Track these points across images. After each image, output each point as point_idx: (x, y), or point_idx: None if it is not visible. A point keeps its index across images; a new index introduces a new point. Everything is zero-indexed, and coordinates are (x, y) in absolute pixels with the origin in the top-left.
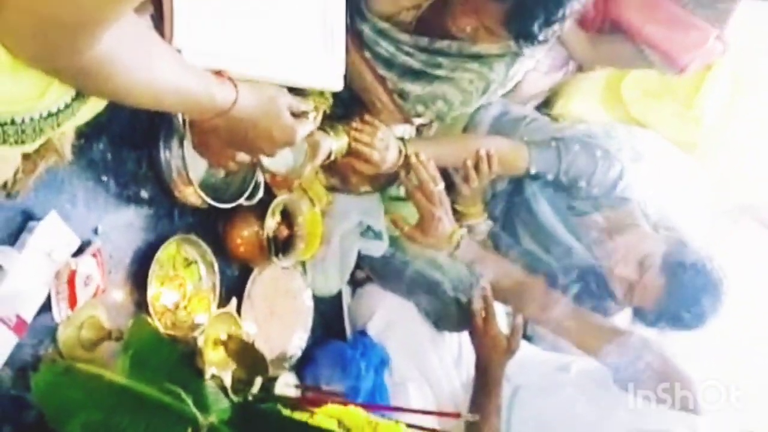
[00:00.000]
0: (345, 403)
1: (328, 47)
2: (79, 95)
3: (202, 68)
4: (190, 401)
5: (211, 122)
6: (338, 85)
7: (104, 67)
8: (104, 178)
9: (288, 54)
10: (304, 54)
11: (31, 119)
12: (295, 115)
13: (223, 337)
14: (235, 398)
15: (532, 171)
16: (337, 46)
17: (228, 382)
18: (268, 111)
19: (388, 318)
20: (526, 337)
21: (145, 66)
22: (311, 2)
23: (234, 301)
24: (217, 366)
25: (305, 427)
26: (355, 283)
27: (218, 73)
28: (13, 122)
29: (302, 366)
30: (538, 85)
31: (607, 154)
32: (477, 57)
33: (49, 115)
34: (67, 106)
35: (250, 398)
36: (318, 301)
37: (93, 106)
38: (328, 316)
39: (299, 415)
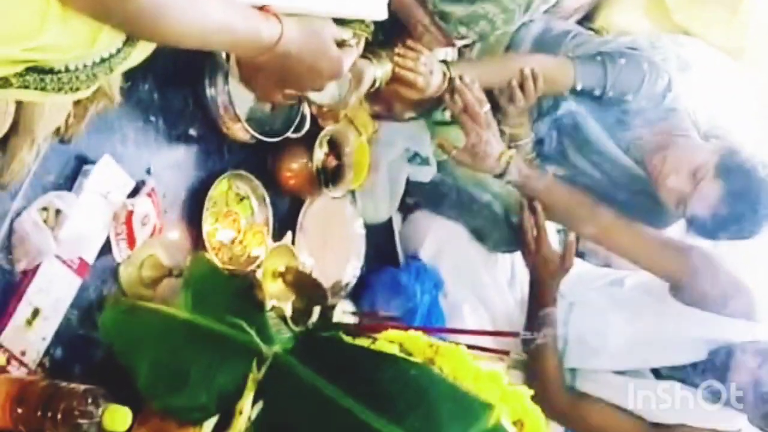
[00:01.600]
0: (404, 328)
1: None
2: (130, 39)
3: (246, 4)
4: (253, 332)
5: (258, 59)
6: (382, 14)
7: (152, 11)
8: (153, 119)
9: None
10: None
11: (84, 66)
12: (339, 44)
13: (281, 269)
14: (296, 328)
15: (579, 87)
16: None
17: (288, 312)
18: (314, 45)
19: (440, 242)
20: (579, 254)
21: (192, 7)
22: None
23: (289, 234)
24: (277, 298)
25: (368, 352)
26: (405, 209)
27: (262, 8)
28: (67, 70)
29: (358, 293)
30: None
31: (654, 65)
32: None
33: (102, 60)
34: (118, 51)
35: (310, 326)
36: (369, 228)
37: (143, 49)
38: (381, 244)
39: (361, 341)
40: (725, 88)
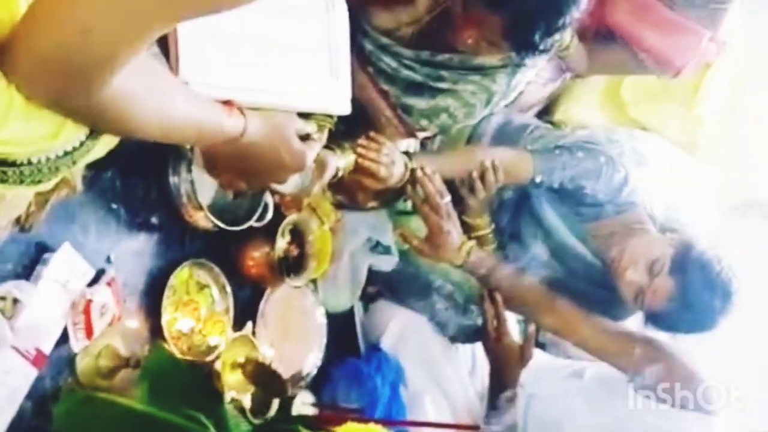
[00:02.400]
0: (364, 421)
1: (333, 71)
2: (93, 132)
3: (210, 98)
4: (211, 425)
5: (221, 151)
6: (346, 109)
7: (116, 107)
8: (114, 206)
9: (294, 80)
10: (311, 79)
11: (47, 159)
12: (303, 138)
13: (241, 360)
14: (255, 420)
15: (537, 180)
16: (343, 69)
17: (247, 404)
18: (277, 139)
19: (401, 332)
20: (539, 345)
21: (156, 102)
22: (315, 28)
23: (249, 324)
24: (236, 389)
25: None
26: (366, 298)
27: (227, 102)
28: (29, 162)
29: (318, 384)
30: (538, 94)
31: (611, 159)
32: (479, 69)
33: (65, 153)
34: (81, 144)
35: (269, 420)
36: (331, 318)
37: (107, 142)
38: (342, 333)
39: None
40: (681, 181)
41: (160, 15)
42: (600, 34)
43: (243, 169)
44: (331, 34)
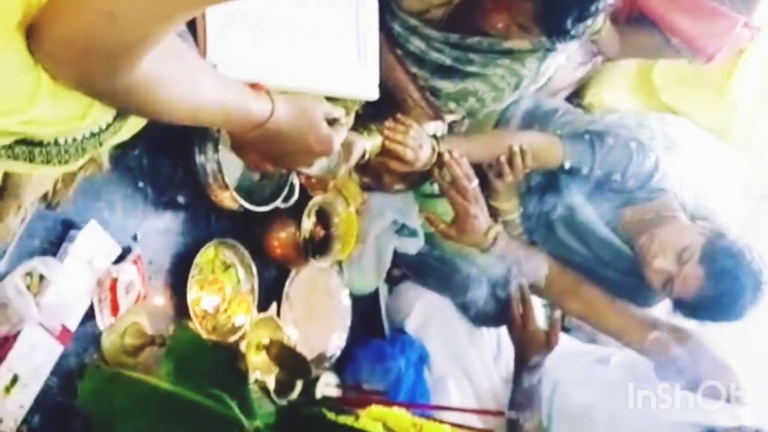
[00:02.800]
0: (387, 403)
1: (362, 56)
2: (120, 114)
3: (238, 81)
4: (235, 406)
5: (249, 135)
6: (373, 95)
7: (143, 90)
8: (141, 185)
9: (322, 64)
10: (338, 64)
11: (74, 140)
12: (330, 122)
13: (265, 341)
14: (278, 401)
15: (567, 165)
16: (371, 55)
17: (271, 385)
18: (305, 123)
19: (426, 315)
20: (565, 329)
21: (184, 85)
22: (345, 12)
23: (274, 305)
24: (260, 370)
25: (351, 431)
26: (391, 281)
27: (254, 85)
28: (56, 143)
29: (342, 365)
30: (568, 77)
31: (642, 145)
32: (509, 53)
33: (92, 135)
34: (108, 126)
35: (293, 402)
36: (355, 299)
37: (134, 124)
38: (366, 315)
39: (344, 419)
40: (712, 168)
41: (184, 1)
42: (632, 18)
43: (269, 152)
44: (360, 19)
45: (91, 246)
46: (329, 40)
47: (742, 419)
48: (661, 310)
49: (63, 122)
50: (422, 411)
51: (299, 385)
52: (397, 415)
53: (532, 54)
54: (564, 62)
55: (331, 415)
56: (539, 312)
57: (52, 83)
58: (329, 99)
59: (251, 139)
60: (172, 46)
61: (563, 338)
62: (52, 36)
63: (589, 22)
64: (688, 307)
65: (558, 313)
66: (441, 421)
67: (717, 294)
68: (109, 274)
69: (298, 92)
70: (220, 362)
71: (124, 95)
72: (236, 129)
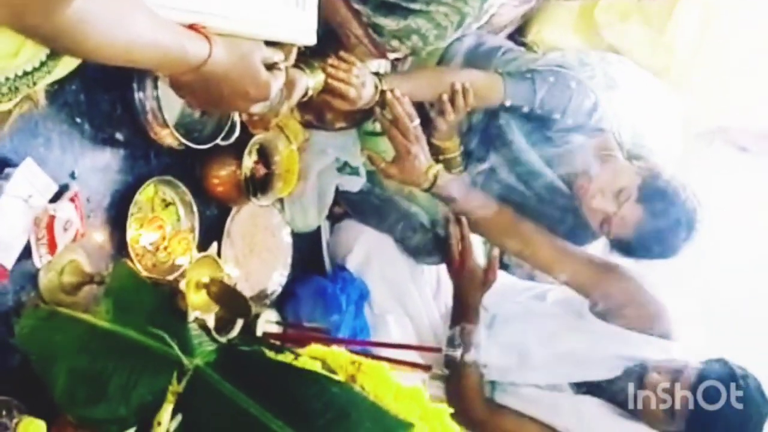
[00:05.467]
0: (327, 342)
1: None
2: (54, 53)
3: (175, 22)
4: (174, 344)
5: (185, 77)
6: (311, 40)
7: (76, 28)
8: (78, 121)
9: (260, 7)
10: (277, 7)
11: (6, 79)
12: (269, 66)
13: (205, 280)
14: (219, 339)
15: (507, 104)
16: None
17: (211, 323)
18: (242, 67)
19: (367, 252)
20: (503, 266)
21: (118, 24)
22: None
23: (214, 245)
24: (200, 309)
25: (290, 369)
26: (333, 218)
27: (193, 26)
28: None
29: (283, 302)
30: (511, 14)
31: (581, 84)
32: None
33: (24, 74)
34: (42, 64)
35: (233, 340)
36: (297, 237)
37: (67, 63)
38: (307, 252)
39: (283, 357)
40: (650, 107)
41: None
42: None
43: (205, 95)
44: None
45: (28, 184)
46: None
47: (672, 353)
48: (597, 247)
49: None
50: (362, 348)
51: (239, 323)
52: (337, 353)
53: None
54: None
55: (270, 354)
56: (478, 249)
57: None
58: (268, 43)
59: (187, 81)
60: None
61: (502, 275)
62: None
63: None
64: (625, 245)
65: (496, 251)
66: (381, 358)
67: (653, 233)
68: (46, 212)
69: (235, 35)
70: (160, 301)
71: (55, 33)
72: (172, 71)
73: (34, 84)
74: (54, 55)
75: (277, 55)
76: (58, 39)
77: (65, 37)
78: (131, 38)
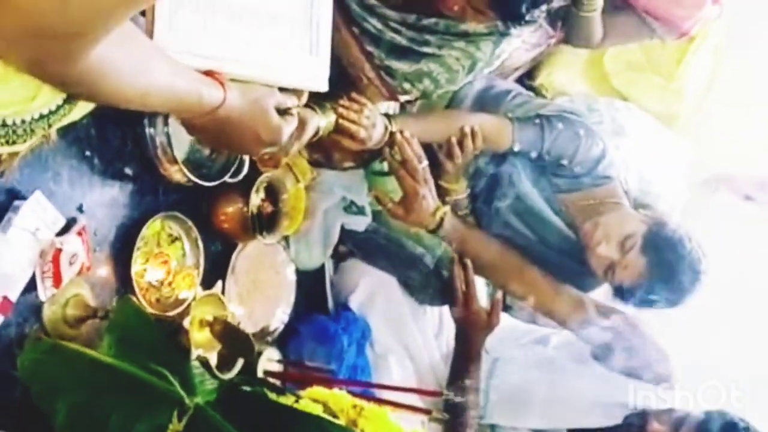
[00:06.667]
0: (329, 382)
1: (314, 47)
2: (70, 97)
3: (190, 68)
4: (176, 382)
5: (199, 121)
6: (323, 86)
7: (94, 76)
8: (88, 154)
9: (273, 53)
10: (290, 53)
11: (23, 121)
12: (282, 111)
13: (209, 318)
14: (221, 376)
15: (516, 148)
16: (323, 46)
17: (213, 362)
18: (255, 113)
19: (370, 291)
20: (506, 308)
21: (136, 72)
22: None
23: (219, 283)
24: (203, 347)
25: (291, 412)
26: (338, 257)
27: (209, 72)
28: (4, 124)
29: (285, 340)
30: (522, 58)
31: (590, 132)
32: (464, 35)
33: (41, 117)
34: (58, 108)
35: (235, 379)
36: (301, 275)
37: (83, 106)
38: (311, 290)
39: (284, 399)
40: (657, 154)
41: None
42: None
43: (218, 137)
44: (314, 8)
45: (36, 217)
46: (281, 29)
47: (674, 403)
48: (600, 294)
49: (12, 104)
50: (362, 389)
51: (239, 363)
52: (339, 396)
53: (487, 37)
54: (519, 45)
55: (272, 395)
56: (482, 291)
57: (2, 65)
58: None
59: (200, 124)
60: (124, 30)
61: (504, 317)
62: (4, 17)
63: (543, 7)
64: (628, 293)
65: (500, 294)
66: (381, 400)
67: (657, 282)
68: (52, 246)
69: (249, 81)
70: (163, 337)
71: (74, 80)
72: (186, 115)
73: (50, 126)
74: (71, 98)
75: (290, 101)
76: (77, 86)
77: (84, 84)
78: (148, 85)
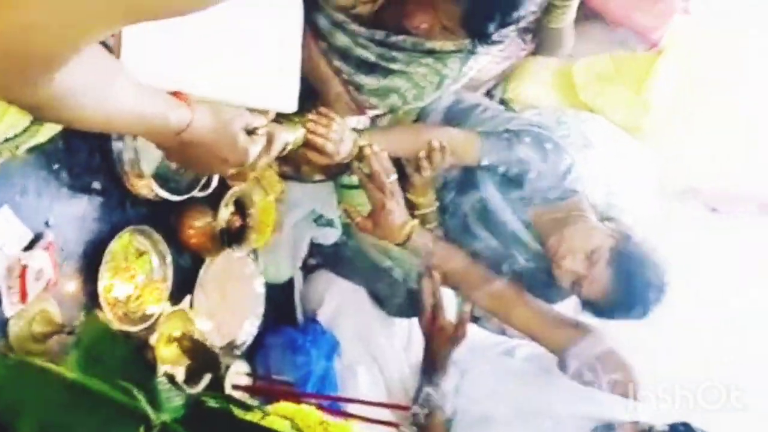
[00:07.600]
0: (296, 396)
1: (282, 68)
2: (37, 119)
3: (157, 90)
4: (142, 398)
5: (165, 142)
6: (292, 107)
7: (60, 100)
8: (56, 167)
9: (241, 74)
10: (259, 74)
11: None
12: (249, 132)
13: (177, 334)
14: (187, 390)
15: (484, 162)
16: (292, 67)
17: (181, 376)
18: (222, 134)
19: (339, 304)
20: (474, 319)
21: (101, 96)
22: (267, 22)
23: (187, 298)
24: (171, 362)
25: (257, 429)
26: (306, 269)
27: (176, 93)
28: None
29: (254, 352)
30: (491, 71)
31: (557, 146)
32: (432, 52)
33: (6, 139)
34: (25, 130)
35: (202, 395)
36: (270, 287)
37: (51, 128)
38: (280, 303)
39: (252, 416)
40: (625, 166)
41: (104, 17)
42: (579, 16)
43: (185, 157)
44: (283, 30)
45: (2, 232)
46: (250, 50)
47: (639, 415)
48: (568, 306)
49: None
50: (329, 403)
51: (206, 379)
52: (306, 412)
53: (455, 55)
54: (487, 62)
55: (239, 412)
56: (451, 303)
57: None
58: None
59: (167, 145)
60: (92, 55)
61: (472, 328)
62: None
63: (512, 27)
64: (595, 305)
65: (468, 307)
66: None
67: (623, 295)
68: (19, 261)
69: (217, 102)
70: (129, 353)
71: (39, 104)
72: (153, 138)
73: (17, 148)
74: (37, 120)
75: (257, 120)
76: (42, 109)
77: (49, 108)
78: (114, 109)
